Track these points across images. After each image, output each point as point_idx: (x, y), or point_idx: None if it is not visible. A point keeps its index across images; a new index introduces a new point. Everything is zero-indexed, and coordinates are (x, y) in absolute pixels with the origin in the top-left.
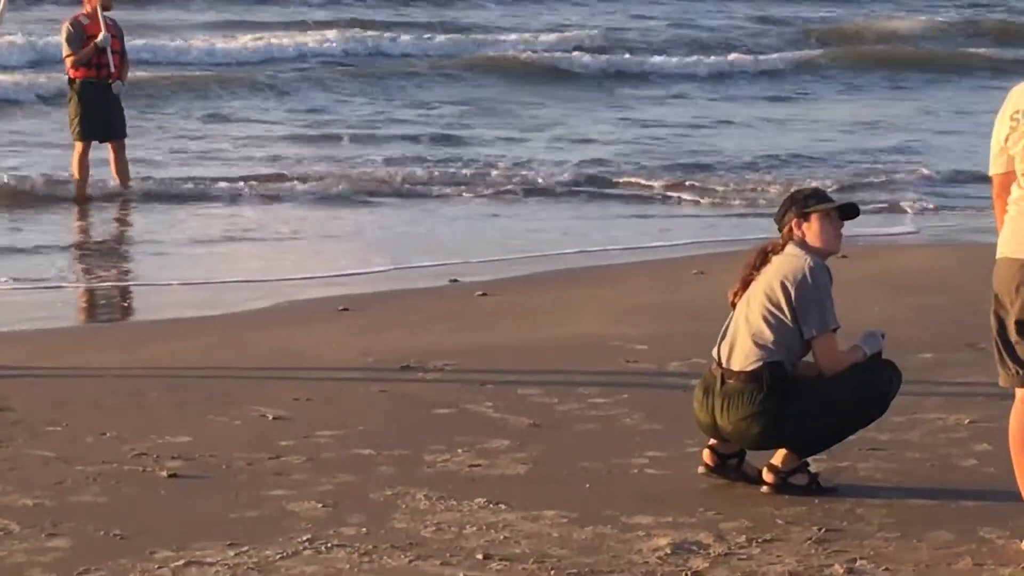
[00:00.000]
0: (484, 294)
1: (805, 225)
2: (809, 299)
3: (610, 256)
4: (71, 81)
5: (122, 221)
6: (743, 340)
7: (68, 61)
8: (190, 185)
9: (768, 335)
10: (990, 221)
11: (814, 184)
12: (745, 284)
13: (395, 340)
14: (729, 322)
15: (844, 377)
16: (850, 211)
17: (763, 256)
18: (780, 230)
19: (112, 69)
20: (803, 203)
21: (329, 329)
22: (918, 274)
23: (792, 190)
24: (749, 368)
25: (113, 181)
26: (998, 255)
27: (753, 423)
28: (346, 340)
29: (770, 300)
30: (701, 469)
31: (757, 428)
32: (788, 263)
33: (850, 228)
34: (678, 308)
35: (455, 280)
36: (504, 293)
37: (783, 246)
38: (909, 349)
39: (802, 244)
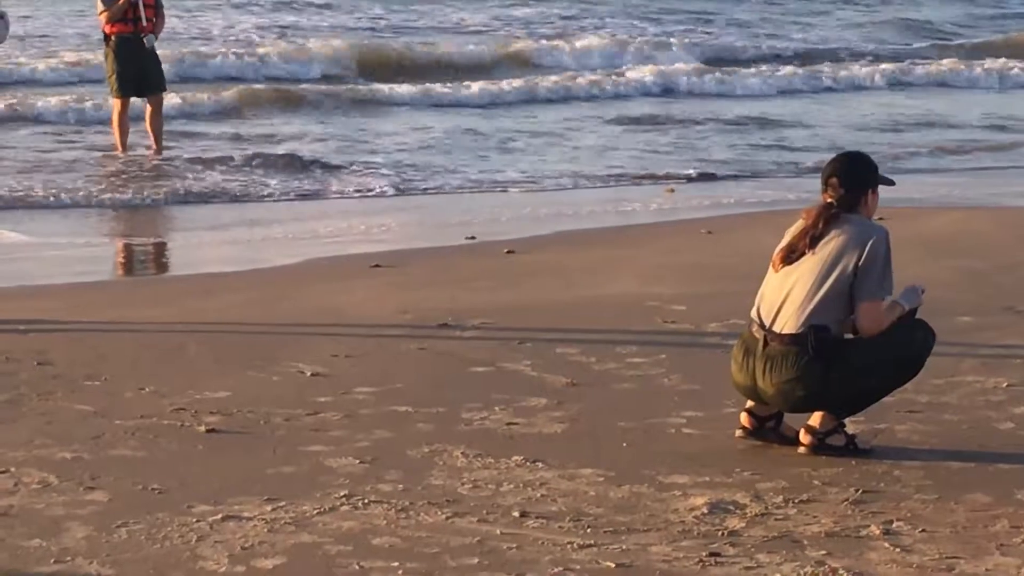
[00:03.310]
0: (511, 251)
1: (872, 195)
2: (876, 265)
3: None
4: (107, 38)
5: (158, 179)
6: (791, 303)
7: (102, 18)
8: None
9: (822, 299)
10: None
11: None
12: (797, 248)
13: (432, 297)
14: (769, 283)
15: (881, 339)
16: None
17: (826, 222)
18: (849, 193)
19: (144, 23)
20: (878, 173)
21: (365, 286)
22: (956, 236)
23: (855, 155)
24: (795, 331)
25: (148, 143)
26: None
27: (797, 386)
28: (383, 297)
29: (836, 264)
30: (739, 433)
31: (801, 392)
32: (863, 229)
33: None
34: (712, 268)
35: (472, 237)
36: (531, 252)
37: (842, 211)
38: (947, 312)
39: (859, 211)
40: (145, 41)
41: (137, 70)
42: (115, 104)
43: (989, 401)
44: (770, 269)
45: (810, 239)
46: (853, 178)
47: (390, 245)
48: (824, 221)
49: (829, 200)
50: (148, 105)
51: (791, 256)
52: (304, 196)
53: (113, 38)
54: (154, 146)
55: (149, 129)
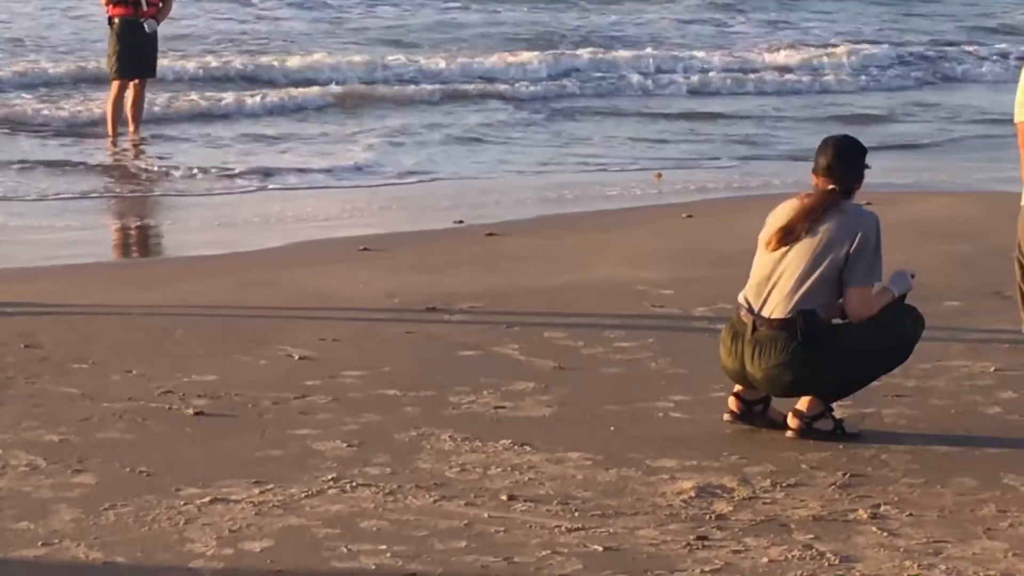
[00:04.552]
0: (491, 234)
1: (862, 179)
2: (866, 251)
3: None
4: (110, 20)
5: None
6: (781, 288)
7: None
8: None
9: (812, 285)
10: (1014, 170)
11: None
12: (795, 230)
13: (420, 281)
14: (759, 264)
15: (870, 325)
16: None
17: (822, 207)
18: (847, 178)
19: (145, 7)
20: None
21: (353, 269)
22: (943, 221)
23: (851, 139)
24: (784, 316)
25: (126, 118)
26: (1022, 202)
27: (785, 371)
28: (371, 281)
29: (828, 252)
30: (726, 417)
31: (789, 376)
32: (856, 216)
33: None
34: (700, 253)
35: (460, 221)
36: (518, 236)
37: (838, 196)
38: (935, 296)
39: (854, 196)
40: (146, 26)
41: (138, 53)
42: (112, 86)
43: (976, 386)
44: (760, 249)
45: (810, 223)
46: (852, 163)
47: (379, 229)
48: (820, 207)
49: (831, 187)
50: (133, 86)
51: (787, 237)
52: (288, 187)
53: (116, 20)
54: (131, 128)
55: (129, 111)
